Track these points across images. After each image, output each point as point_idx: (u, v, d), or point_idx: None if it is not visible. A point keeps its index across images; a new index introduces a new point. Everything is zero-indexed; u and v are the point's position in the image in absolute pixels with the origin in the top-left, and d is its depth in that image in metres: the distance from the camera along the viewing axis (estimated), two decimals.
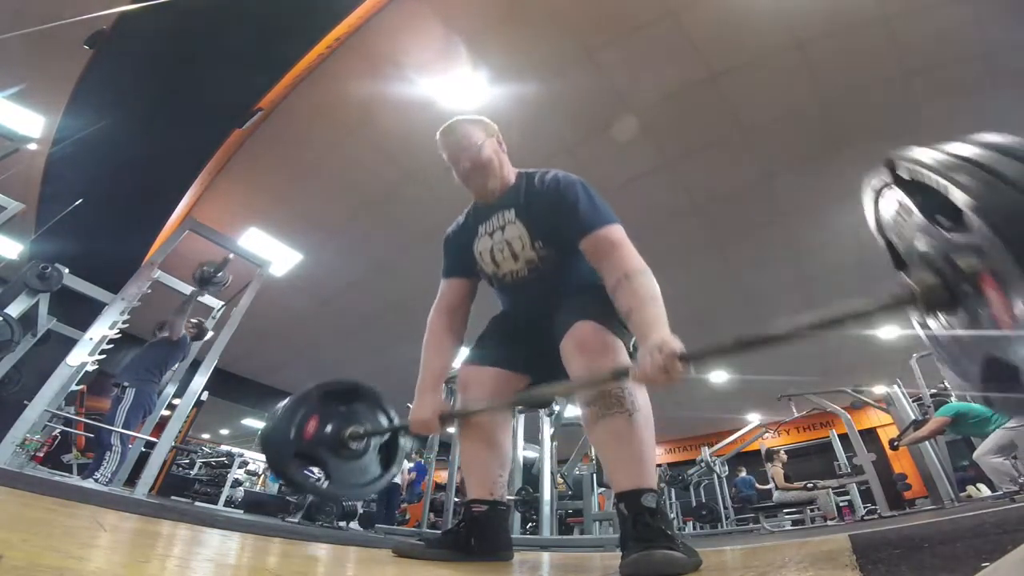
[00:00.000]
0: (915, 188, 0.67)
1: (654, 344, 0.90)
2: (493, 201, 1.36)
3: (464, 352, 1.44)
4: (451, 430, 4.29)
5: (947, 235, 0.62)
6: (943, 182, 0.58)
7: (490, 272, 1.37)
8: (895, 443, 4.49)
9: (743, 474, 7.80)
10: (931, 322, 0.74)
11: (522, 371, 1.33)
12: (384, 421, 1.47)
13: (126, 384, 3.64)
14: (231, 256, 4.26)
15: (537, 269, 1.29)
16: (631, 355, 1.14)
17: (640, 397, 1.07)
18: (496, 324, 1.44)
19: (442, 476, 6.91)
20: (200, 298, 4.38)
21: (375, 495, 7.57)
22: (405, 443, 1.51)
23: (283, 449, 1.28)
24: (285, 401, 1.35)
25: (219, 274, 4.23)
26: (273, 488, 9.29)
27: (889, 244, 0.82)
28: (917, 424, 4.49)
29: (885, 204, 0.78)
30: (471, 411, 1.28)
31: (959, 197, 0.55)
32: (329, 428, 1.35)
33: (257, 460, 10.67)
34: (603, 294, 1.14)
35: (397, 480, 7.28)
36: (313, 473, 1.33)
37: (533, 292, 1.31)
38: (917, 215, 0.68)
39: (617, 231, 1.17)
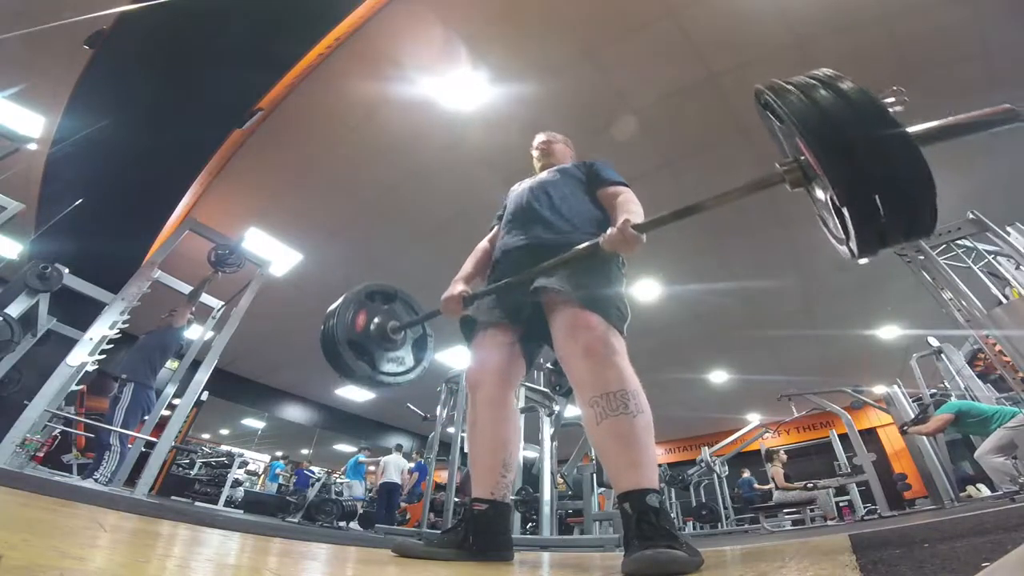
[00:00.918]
0: (769, 108, 0.91)
1: (619, 222, 1.19)
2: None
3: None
4: (450, 429, 4.28)
5: (790, 135, 0.88)
6: (776, 101, 0.85)
7: (516, 191, 1.71)
8: (904, 428, 4.51)
9: (746, 475, 7.81)
10: (810, 197, 0.98)
11: (514, 323, 1.44)
12: (418, 319, 1.70)
13: (125, 376, 3.65)
14: (246, 236, 4.46)
15: (542, 184, 1.61)
16: (622, 334, 1.25)
17: (642, 401, 1.11)
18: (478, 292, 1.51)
19: (442, 476, 6.90)
20: (201, 297, 4.39)
21: (375, 495, 7.58)
22: (432, 343, 1.80)
23: (339, 337, 1.49)
24: (341, 298, 1.60)
25: (233, 255, 4.27)
26: (273, 488, 9.31)
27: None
28: (922, 418, 4.50)
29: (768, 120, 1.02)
30: (487, 290, 1.47)
31: (784, 110, 0.82)
32: (375, 322, 1.61)
33: (257, 460, 10.70)
34: (596, 265, 1.29)
35: (396, 480, 7.29)
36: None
37: (532, 206, 1.54)
38: (777, 124, 0.95)
39: (628, 190, 1.51)
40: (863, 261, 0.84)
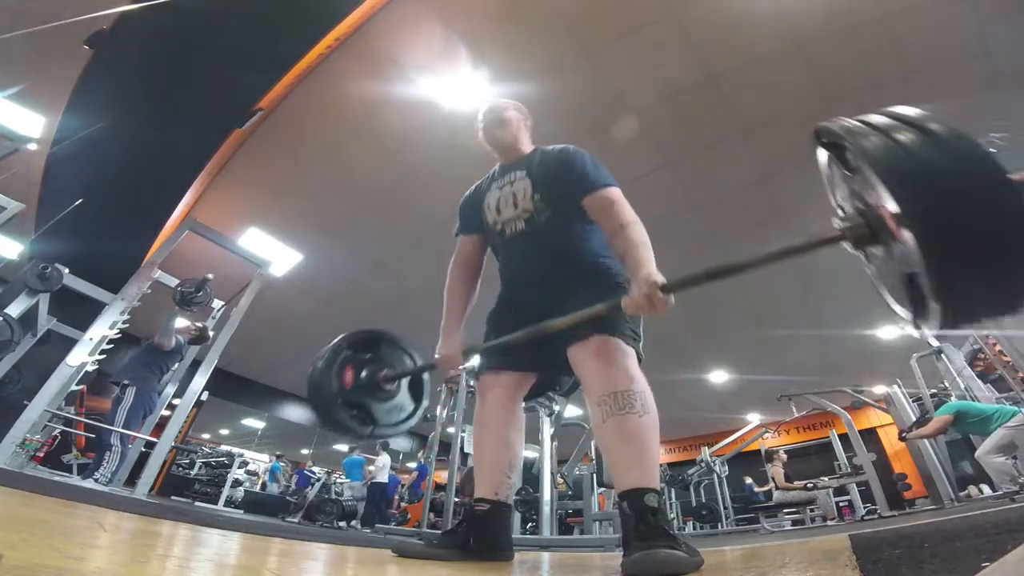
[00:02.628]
0: (835, 150, 0.83)
1: (641, 278, 1.06)
2: (510, 164, 1.55)
3: (476, 359, 1.53)
4: (450, 429, 4.29)
5: (859, 184, 0.78)
6: (849, 143, 0.74)
7: (491, 221, 1.49)
8: (903, 435, 4.53)
9: (748, 482, 7.81)
10: (867, 257, 0.88)
11: (527, 369, 1.41)
12: (408, 361, 1.60)
13: (127, 382, 3.64)
14: (211, 276, 4.20)
15: (532, 221, 1.40)
16: (639, 360, 1.21)
17: (649, 401, 1.12)
18: (494, 323, 1.45)
19: (442, 476, 6.90)
20: (172, 335, 4.27)
21: (364, 497, 7.59)
22: (429, 379, 1.66)
23: (330, 401, 1.40)
24: (320, 355, 1.46)
25: (199, 293, 4.17)
26: (273, 488, 9.31)
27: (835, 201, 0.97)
28: (921, 422, 4.50)
29: (825, 164, 0.93)
30: (492, 344, 1.37)
31: (860, 154, 0.71)
32: (364, 375, 1.48)
33: (257, 460, 10.69)
34: (605, 281, 1.27)
35: (384, 480, 7.29)
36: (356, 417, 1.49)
37: (529, 252, 1.41)
38: (840, 171, 0.84)
39: (616, 191, 1.31)
40: (930, 333, 0.74)
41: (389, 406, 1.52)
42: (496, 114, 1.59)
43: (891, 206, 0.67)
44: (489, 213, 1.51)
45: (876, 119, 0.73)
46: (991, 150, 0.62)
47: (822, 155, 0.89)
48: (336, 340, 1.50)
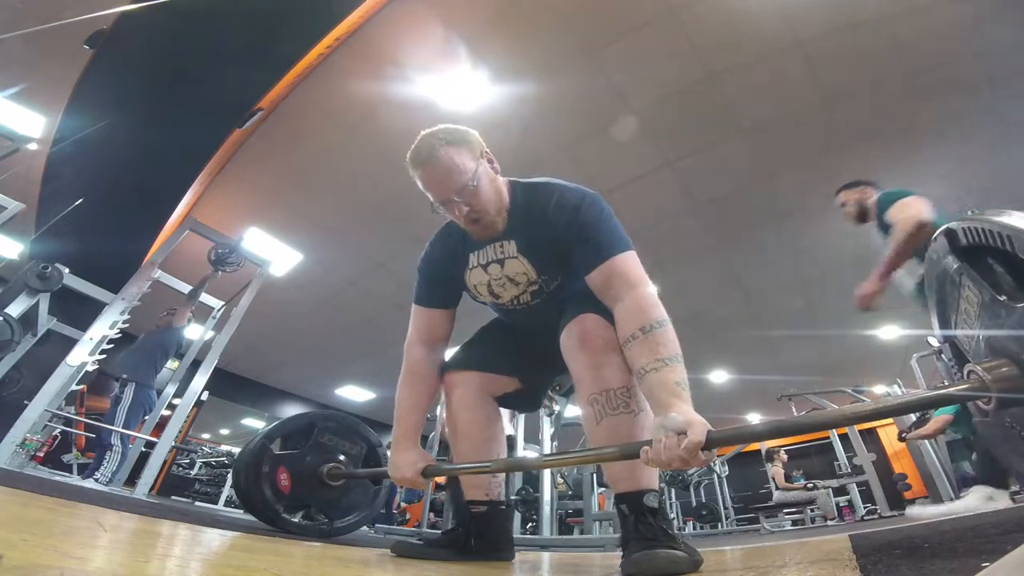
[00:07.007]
0: (982, 262, 0.59)
1: (675, 425, 0.80)
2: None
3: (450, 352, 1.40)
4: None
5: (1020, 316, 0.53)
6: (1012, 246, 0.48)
7: (488, 303, 1.31)
8: (903, 435, 4.55)
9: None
10: (997, 415, 0.65)
11: (509, 373, 1.31)
12: (357, 439, 1.43)
13: (125, 376, 3.66)
14: (244, 236, 4.46)
15: (541, 292, 1.22)
16: None
17: (643, 398, 1.03)
18: (486, 330, 1.42)
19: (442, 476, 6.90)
20: (200, 297, 4.39)
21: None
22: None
23: (269, 511, 1.22)
24: (240, 460, 1.24)
25: (233, 254, 4.26)
26: None
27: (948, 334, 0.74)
28: (921, 422, 4.50)
29: (936, 279, 0.68)
30: (457, 468, 1.19)
31: None
32: (304, 471, 1.27)
33: None
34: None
35: None
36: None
37: (538, 312, 1.25)
38: (982, 293, 0.60)
39: (629, 263, 1.05)
40: None
41: (346, 500, 1.32)
42: (468, 199, 1.10)
43: None
44: (480, 296, 1.28)
45: None
46: None
47: (937, 262, 0.66)
48: (257, 440, 1.27)
